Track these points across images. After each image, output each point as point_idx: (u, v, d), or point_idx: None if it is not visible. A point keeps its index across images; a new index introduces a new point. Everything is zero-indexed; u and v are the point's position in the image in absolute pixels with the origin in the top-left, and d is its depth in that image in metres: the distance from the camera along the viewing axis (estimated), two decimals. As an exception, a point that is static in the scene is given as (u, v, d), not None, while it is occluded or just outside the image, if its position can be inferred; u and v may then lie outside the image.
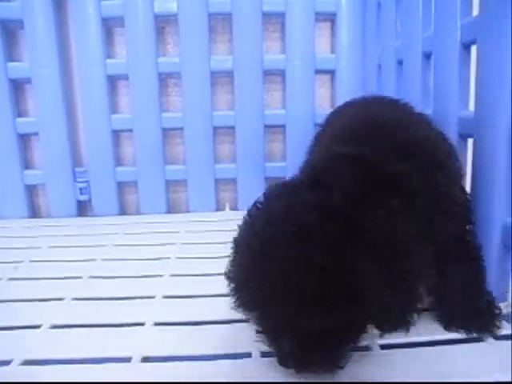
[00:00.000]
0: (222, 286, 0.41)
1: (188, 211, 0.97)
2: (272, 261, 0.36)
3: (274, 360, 0.39)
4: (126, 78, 0.92)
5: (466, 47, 0.57)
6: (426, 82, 0.68)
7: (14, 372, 0.42)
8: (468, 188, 0.53)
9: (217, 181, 0.97)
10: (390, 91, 0.78)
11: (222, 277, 0.42)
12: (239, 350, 0.44)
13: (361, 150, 0.41)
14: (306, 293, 0.34)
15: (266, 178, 0.95)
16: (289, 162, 0.95)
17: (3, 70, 0.89)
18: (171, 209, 0.98)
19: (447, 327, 0.46)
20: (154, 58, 0.91)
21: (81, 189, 0.96)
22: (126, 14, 0.89)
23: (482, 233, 0.50)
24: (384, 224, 0.36)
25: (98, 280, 0.63)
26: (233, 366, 0.42)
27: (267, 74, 0.94)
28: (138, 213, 0.97)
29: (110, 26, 0.93)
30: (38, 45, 0.89)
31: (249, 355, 0.43)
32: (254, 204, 0.41)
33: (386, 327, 0.38)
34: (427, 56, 0.67)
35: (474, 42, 0.55)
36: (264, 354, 0.42)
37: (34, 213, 0.98)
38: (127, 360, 0.43)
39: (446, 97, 0.61)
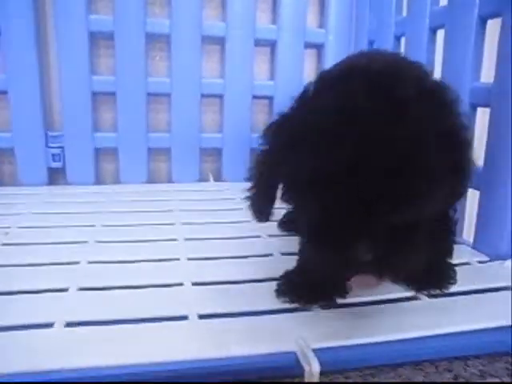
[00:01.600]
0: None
1: (171, 181, 0.93)
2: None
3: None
4: (111, 37, 0.86)
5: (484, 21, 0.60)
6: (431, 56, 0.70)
7: None
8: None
9: (201, 150, 0.94)
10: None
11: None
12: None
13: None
14: None
15: (252, 150, 0.94)
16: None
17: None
18: (152, 179, 0.94)
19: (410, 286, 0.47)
20: (141, 18, 0.86)
21: (53, 155, 0.89)
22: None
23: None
24: None
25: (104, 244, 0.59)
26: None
27: (257, 44, 0.93)
28: (116, 182, 0.92)
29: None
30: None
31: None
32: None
33: None
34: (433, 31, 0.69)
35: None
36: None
37: (0, 181, 0.90)
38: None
39: (457, 70, 0.63)
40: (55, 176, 0.91)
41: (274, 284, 0.45)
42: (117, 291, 0.46)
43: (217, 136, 0.94)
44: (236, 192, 0.78)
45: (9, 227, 0.64)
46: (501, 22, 0.56)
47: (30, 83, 0.85)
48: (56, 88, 0.88)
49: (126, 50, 0.87)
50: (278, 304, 0.43)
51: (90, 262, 0.53)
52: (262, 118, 0.97)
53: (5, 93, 0.85)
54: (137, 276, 0.49)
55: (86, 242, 0.59)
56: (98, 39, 0.89)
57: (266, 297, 0.44)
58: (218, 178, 0.95)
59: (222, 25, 0.90)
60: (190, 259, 0.54)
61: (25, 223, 0.66)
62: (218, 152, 0.95)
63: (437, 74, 0.48)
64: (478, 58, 0.60)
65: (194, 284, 0.47)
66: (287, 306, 0.42)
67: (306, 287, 0.44)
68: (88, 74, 0.86)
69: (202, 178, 0.95)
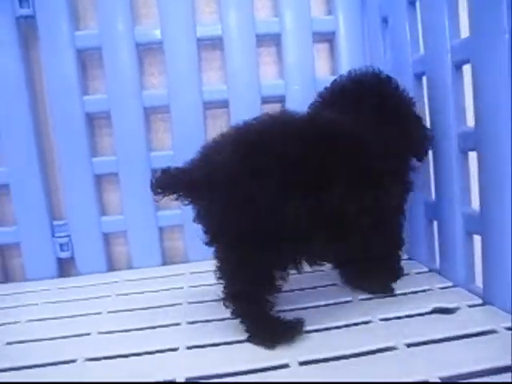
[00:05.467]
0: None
1: (187, 262, 0.85)
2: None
3: None
4: (108, 115, 0.81)
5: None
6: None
7: None
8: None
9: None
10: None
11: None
12: None
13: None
14: None
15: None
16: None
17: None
18: (167, 259, 0.86)
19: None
20: (138, 91, 0.81)
21: (61, 244, 0.83)
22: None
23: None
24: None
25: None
26: None
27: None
28: (129, 267, 0.85)
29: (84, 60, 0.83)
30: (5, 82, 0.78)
31: None
32: None
33: None
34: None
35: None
36: None
37: (6, 277, 0.85)
38: None
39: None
40: (65, 266, 0.85)
41: None
42: None
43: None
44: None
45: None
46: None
47: (32, 174, 0.81)
48: (58, 175, 0.84)
49: (124, 128, 0.81)
50: None
51: None
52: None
53: (6, 186, 0.81)
54: None
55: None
56: (96, 119, 0.84)
57: None
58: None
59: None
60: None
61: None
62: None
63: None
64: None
65: None
66: None
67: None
68: (88, 155, 0.81)
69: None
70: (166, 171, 0.48)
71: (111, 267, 0.86)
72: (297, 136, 0.47)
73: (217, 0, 0.82)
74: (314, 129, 0.49)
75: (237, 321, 0.51)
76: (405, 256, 0.73)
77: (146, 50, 0.83)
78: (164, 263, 0.85)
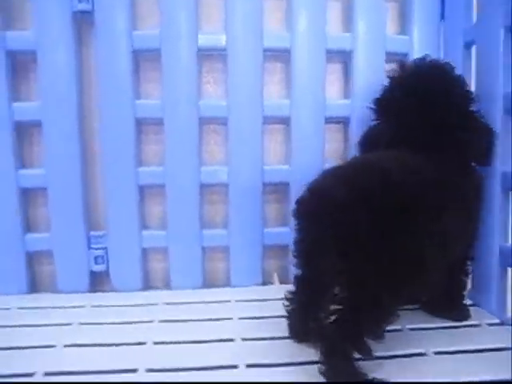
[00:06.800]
0: None
1: (228, 285, 0.79)
2: None
3: None
4: (160, 122, 0.75)
5: None
6: None
7: None
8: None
9: (265, 247, 0.79)
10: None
11: None
12: None
13: None
14: None
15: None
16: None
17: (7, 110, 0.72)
18: (207, 282, 0.80)
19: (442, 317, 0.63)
20: (194, 99, 0.75)
21: (96, 257, 0.77)
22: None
23: None
24: None
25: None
26: None
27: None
28: (167, 286, 0.79)
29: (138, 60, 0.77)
30: (52, 81, 0.73)
31: None
32: None
33: None
34: None
35: None
36: None
37: (35, 287, 0.79)
38: None
39: None
40: (98, 280, 0.79)
41: None
42: None
43: (283, 230, 0.79)
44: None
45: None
46: None
47: (72, 178, 0.75)
48: (99, 182, 0.78)
49: (176, 133, 0.75)
50: None
51: None
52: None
53: (44, 189, 0.75)
54: None
55: None
56: (145, 124, 0.78)
57: None
58: (285, 279, 0.80)
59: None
60: None
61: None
62: (281, 248, 0.80)
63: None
64: None
65: None
66: None
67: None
68: (134, 165, 0.75)
69: (266, 280, 0.80)
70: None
71: (147, 285, 0.80)
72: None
73: (287, 8, 0.77)
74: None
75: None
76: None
77: (205, 56, 0.77)
78: (204, 286, 0.79)
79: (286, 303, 0.56)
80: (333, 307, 0.44)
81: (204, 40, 0.74)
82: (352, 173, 0.49)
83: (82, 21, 0.74)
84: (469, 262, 0.63)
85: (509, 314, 0.64)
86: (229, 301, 0.72)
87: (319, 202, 0.47)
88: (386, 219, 0.43)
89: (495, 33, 0.64)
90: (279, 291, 0.60)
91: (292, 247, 0.53)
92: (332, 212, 0.44)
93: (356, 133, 0.72)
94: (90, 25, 0.73)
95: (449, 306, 0.63)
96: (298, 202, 0.50)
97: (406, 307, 0.65)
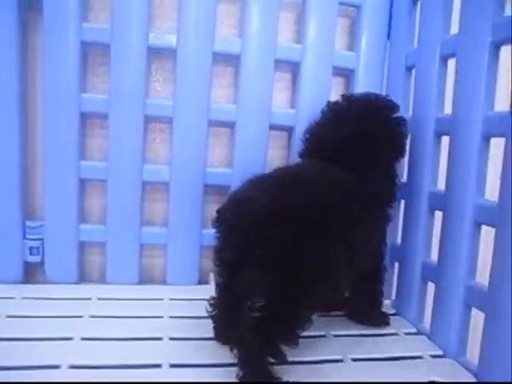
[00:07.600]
0: None
1: (164, 283, 0.80)
2: None
3: None
4: (105, 116, 0.75)
5: None
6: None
7: None
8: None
9: (202, 247, 0.80)
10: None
11: None
12: None
13: None
14: None
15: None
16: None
17: None
18: (143, 278, 0.80)
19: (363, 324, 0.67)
20: (141, 97, 0.75)
21: (31, 248, 0.76)
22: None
23: None
24: None
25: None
26: None
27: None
28: (102, 281, 0.79)
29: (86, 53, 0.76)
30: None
31: None
32: None
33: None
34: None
35: None
36: None
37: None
38: None
39: None
40: (32, 271, 0.78)
41: None
42: None
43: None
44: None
45: None
46: None
47: (9, 166, 0.73)
48: (39, 172, 0.77)
49: (121, 129, 0.75)
50: None
51: None
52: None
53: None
54: None
55: None
56: (91, 118, 0.78)
57: None
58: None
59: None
60: None
61: None
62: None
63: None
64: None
65: None
66: None
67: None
68: (76, 158, 0.75)
69: (202, 279, 0.81)
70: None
71: (82, 278, 0.79)
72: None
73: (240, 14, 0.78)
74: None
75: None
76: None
77: (155, 55, 0.78)
78: (140, 282, 0.79)
79: (209, 309, 0.57)
80: (251, 315, 0.46)
81: (155, 38, 0.74)
82: (275, 184, 0.51)
83: (29, 7, 0.72)
84: (383, 273, 0.67)
85: (425, 324, 0.68)
86: (162, 299, 0.73)
87: (237, 213, 0.48)
88: (300, 233, 0.45)
89: (431, 60, 0.67)
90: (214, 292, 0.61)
91: (213, 255, 0.54)
92: (247, 225, 0.46)
93: (299, 142, 0.74)
94: (38, 13, 0.72)
95: (369, 313, 0.67)
96: (218, 211, 0.52)
97: (334, 314, 0.69)
